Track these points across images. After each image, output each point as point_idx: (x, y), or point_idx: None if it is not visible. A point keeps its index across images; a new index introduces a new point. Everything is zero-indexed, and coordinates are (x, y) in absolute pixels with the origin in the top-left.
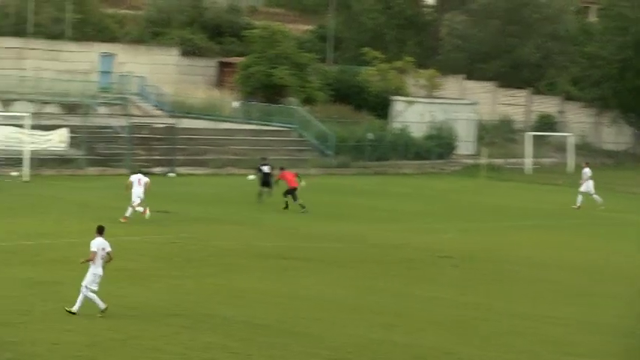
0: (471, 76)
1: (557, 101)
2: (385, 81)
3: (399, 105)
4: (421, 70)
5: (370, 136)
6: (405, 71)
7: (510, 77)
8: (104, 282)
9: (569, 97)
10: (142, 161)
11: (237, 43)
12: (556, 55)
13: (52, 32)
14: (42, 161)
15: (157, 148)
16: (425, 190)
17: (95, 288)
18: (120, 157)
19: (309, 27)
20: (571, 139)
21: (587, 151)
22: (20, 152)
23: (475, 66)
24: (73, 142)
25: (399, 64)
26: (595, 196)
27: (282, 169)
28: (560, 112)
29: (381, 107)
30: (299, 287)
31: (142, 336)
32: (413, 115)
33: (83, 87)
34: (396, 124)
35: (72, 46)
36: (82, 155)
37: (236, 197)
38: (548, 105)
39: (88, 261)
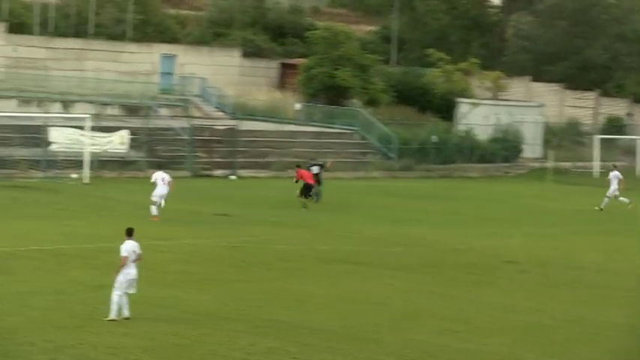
0: (537, 78)
1: (626, 103)
2: (450, 83)
3: (463, 107)
4: (486, 72)
5: (434, 138)
6: (470, 73)
7: (578, 79)
8: (164, 285)
9: (637, 100)
10: (203, 163)
11: (299, 44)
12: (624, 57)
13: (113, 33)
14: (102, 163)
15: (218, 150)
16: (490, 193)
17: (132, 291)
18: (181, 159)
19: (373, 28)
20: None
21: None
22: (80, 154)
23: (542, 67)
24: (134, 144)
25: (463, 65)
26: (609, 198)
27: (298, 166)
28: (629, 114)
29: (445, 109)
30: (361, 292)
31: (202, 341)
32: (478, 118)
33: (144, 88)
34: (460, 126)
35: (133, 47)
36: (143, 157)
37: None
38: (616, 107)
39: (122, 267)
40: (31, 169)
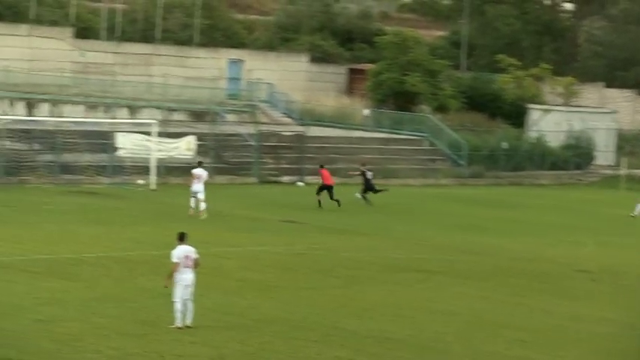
0: (610, 84)
1: None
2: (521, 89)
3: (535, 114)
4: (558, 78)
5: (504, 145)
6: (542, 79)
7: None
8: (229, 292)
9: None
10: (270, 170)
11: (367, 49)
12: None
13: (180, 38)
14: (169, 169)
15: (286, 156)
16: (561, 201)
17: (187, 297)
18: (248, 165)
19: (442, 33)
20: None
21: None
22: (147, 160)
23: (615, 73)
24: (201, 150)
25: (535, 71)
26: None
27: (321, 167)
28: None
29: (516, 116)
30: (431, 301)
31: (269, 349)
32: (549, 124)
33: (211, 94)
34: (531, 133)
35: (200, 52)
36: (210, 163)
37: (366, 207)
38: None
39: (174, 273)
40: (97, 175)
